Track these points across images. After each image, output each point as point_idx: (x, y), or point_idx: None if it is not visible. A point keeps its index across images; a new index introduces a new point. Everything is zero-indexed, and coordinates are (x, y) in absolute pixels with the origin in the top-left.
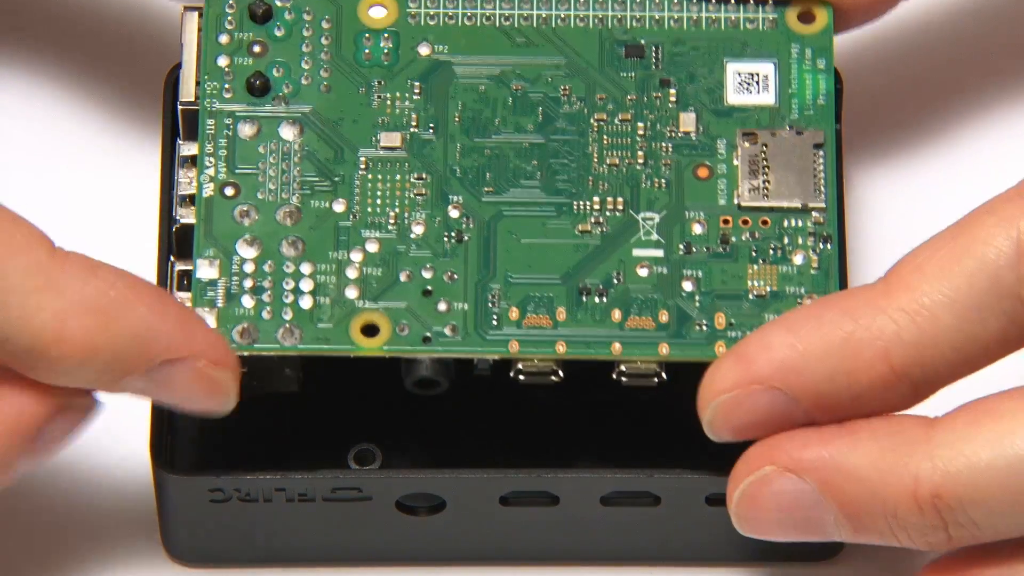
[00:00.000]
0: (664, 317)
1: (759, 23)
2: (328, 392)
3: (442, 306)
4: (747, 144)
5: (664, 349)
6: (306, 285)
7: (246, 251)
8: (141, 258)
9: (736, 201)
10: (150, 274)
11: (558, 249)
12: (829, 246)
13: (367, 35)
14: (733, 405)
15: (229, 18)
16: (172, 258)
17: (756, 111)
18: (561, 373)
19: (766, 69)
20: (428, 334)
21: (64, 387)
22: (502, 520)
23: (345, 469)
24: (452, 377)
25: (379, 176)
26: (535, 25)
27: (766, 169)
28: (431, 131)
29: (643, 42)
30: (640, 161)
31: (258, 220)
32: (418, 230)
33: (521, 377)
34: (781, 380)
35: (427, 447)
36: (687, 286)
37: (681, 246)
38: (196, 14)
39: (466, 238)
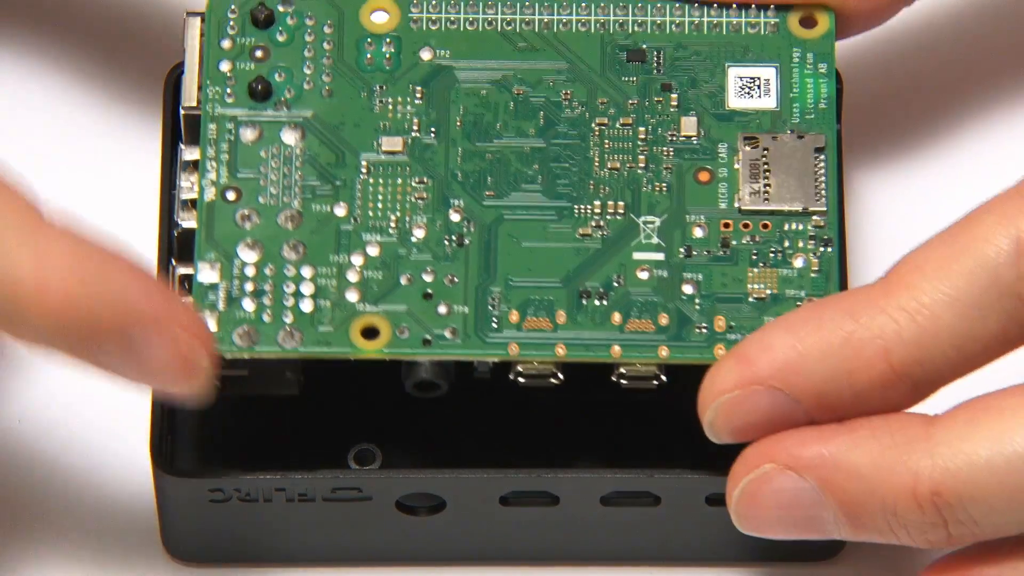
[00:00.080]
0: (664, 320)
1: (761, 28)
2: (328, 393)
3: (442, 309)
4: (748, 148)
5: (664, 352)
6: (307, 288)
7: (247, 254)
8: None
9: (737, 205)
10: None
11: (559, 253)
12: (830, 249)
13: (369, 40)
14: (734, 406)
15: (231, 23)
16: (173, 261)
17: (757, 115)
18: (561, 375)
19: (767, 73)
20: (428, 337)
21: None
22: (502, 520)
23: (345, 469)
24: (452, 380)
25: (380, 180)
26: (537, 30)
27: (767, 173)
28: (432, 135)
29: (644, 47)
30: (641, 165)
31: (259, 224)
32: (419, 234)
33: (521, 379)
34: (782, 380)
35: (427, 447)
36: (687, 289)
37: (682, 249)
38: (198, 19)
39: (467, 242)
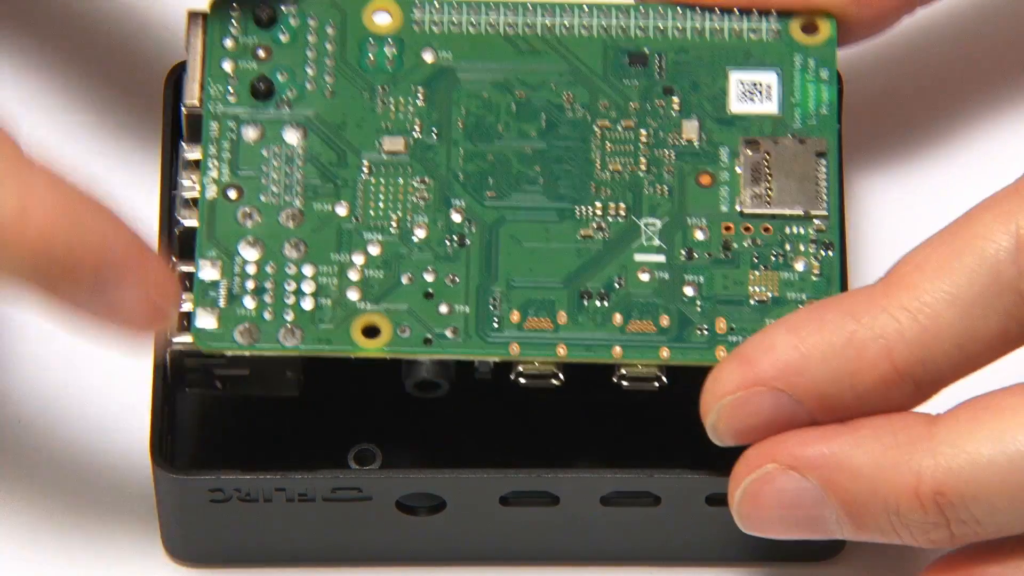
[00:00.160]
0: (665, 321)
1: (762, 33)
2: (329, 393)
3: (443, 308)
4: (750, 152)
5: (665, 353)
6: (308, 287)
7: (248, 252)
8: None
9: (738, 208)
10: None
11: (560, 254)
12: (831, 253)
13: (371, 41)
14: (737, 407)
15: (234, 22)
16: (174, 259)
17: (759, 120)
18: (562, 376)
19: (769, 79)
20: (429, 336)
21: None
22: (502, 520)
23: (345, 469)
24: (453, 380)
25: (382, 180)
26: (539, 33)
27: (768, 176)
28: (434, 136)
29: (647, 51)
30: (643, 168)
31: (260, 222)
32: (420, 233)
33: (522, 380)
34: (784, 381)
35: (427, 447)
36: (688, 291)
37: (683, 252)
38: (201, 18)
39: (468, 242)
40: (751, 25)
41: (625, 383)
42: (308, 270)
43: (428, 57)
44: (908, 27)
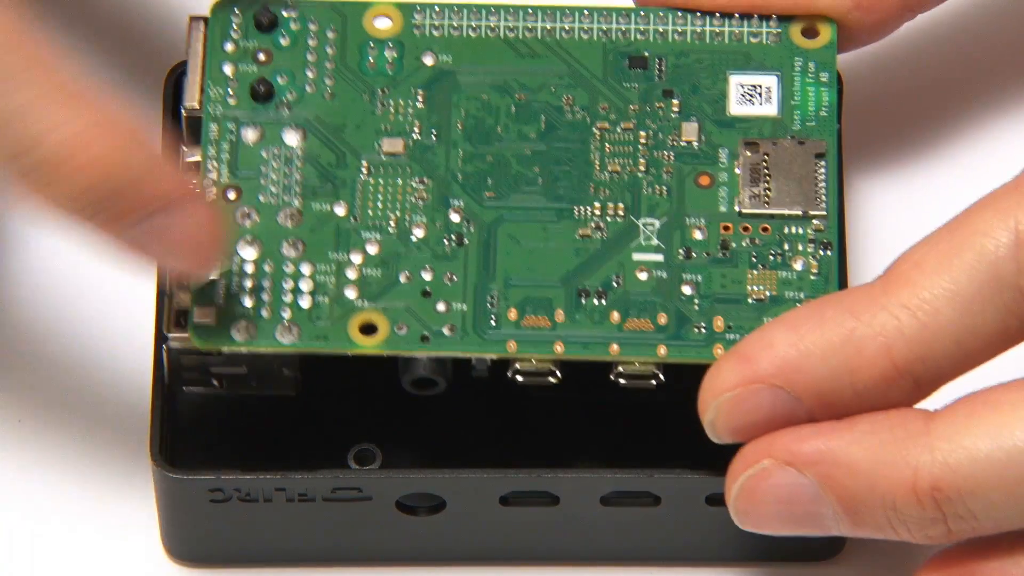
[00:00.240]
0: (663, 319)
1: (763, 37)
2: (328, 392)
3: (441, 306)
4: (749, 153)
5: (662, 350)
6: (305, 285)
7: (246, 251)
8: None
9: (737, 208)
10: (150, 272)
11: (558, 253)
12: (829, 253)
13: (371, 44)
14: (735, 405)
15: (235, 26)
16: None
17: (758, 122)
18: (559, 374)
19: (769, 81)
20: (426, 333)
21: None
22: (502, 520)
23: (345, 469)
24: (450, 377)
25: (380, 180)
26: (539, 37)
27: (767, 177)
28: (434, 137)
29: (647, 54)
30: (642, 168)
31: (259, 222)
32: (418, 233)
33: (519, 378)
34: (783, 379)
35: (427, 447)
36: (686, 290)
37: (681, 251)
38: (202, 22)
39: (466, 241)
40: (751, 29)
41: (623, 381)
42: (306, 269)
43: (428, 60)
44: (908, 29)
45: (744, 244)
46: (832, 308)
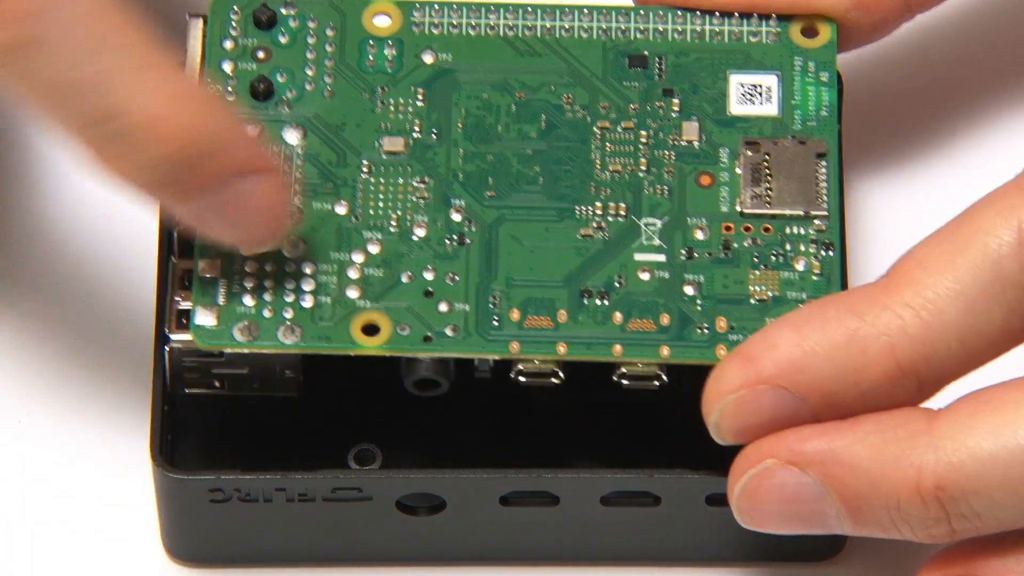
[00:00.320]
0: (665, 320)
1: (763, 36)
2: (328, 392)
3: (443, 307)
4: (749, 152)
5: (665, 351)
6: (307, 285)
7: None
8: (141, 256)
9: (738, 208)
10: (151, 272)
11: (560, 253)
12: (831, 253)
13: (371, 42)
14: (739, 406)
15: (234, 24)
16: (174, 258)
17: (759, 121)
18: (562, 375)
19: (769, 81)
20: (429, 334)
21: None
22: (502, 520)
23: (345, 469)
24: (452, 378)
25: (381, 179)
26: (539, 35)
27: (768, 177)
28: (434, 136)
29: (646, 53)
30: (643, 168)
31: None
32: (420, 232)
33: (522, 378)
34: (787, 379)
35: (427, 447)
36: (689, 290)
37: (683, 251)
38: (201, 20)
39: (468, 241)
40: (751, 28)
41: (625, 382)
42: (307, 268)
43: (428, 58)
44: (908, 29)
45: (746, 244)
46: (835, 308)
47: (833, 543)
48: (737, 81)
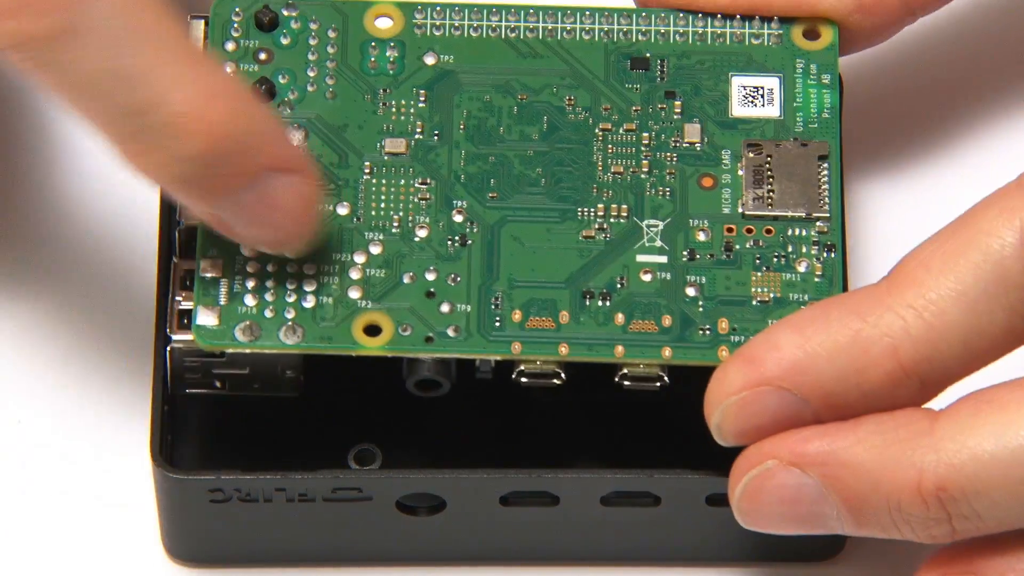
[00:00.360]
0: (667, 321)
1: (764, 39)
2: (329, 392)
3: (445, 307)
4: (751, 154)
5: (667, 352)
6: (309, 285)
7: (249, 251)
8: (142, 256)
9: (740, 210)
10: (151, 272)
11: (562, 254)
12: (833, 254)
13: (373, 44)
14: (742, 407)
15: (235, 25)
16: (175, 258)
17: (761, 123)
18: (563, 375)
19: (771, 83)
20: (431, 334)
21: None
22: (502, 520)
23: (345, 469)
24: (453, 379)
25: (383, 181)
26: (541, 37)
27: (770, 179)
28: (436, 138)
29: (648, 55)
30: (644, 170)
31: None
32: (422, 233)
33: (523, 379)
34: (790, 381)
35: (427, 447)
36: (691, 292)
37: (685, 253)
38: (202, 22)
39: (470, 242)
40: (753, 31)
41: (627, 383)
42: (309, 269)
43: (430, 60)
44: (909, 31)
45: (748, 246)
46: (838, 309)
47: (833, 543)
48: (739, 83)
